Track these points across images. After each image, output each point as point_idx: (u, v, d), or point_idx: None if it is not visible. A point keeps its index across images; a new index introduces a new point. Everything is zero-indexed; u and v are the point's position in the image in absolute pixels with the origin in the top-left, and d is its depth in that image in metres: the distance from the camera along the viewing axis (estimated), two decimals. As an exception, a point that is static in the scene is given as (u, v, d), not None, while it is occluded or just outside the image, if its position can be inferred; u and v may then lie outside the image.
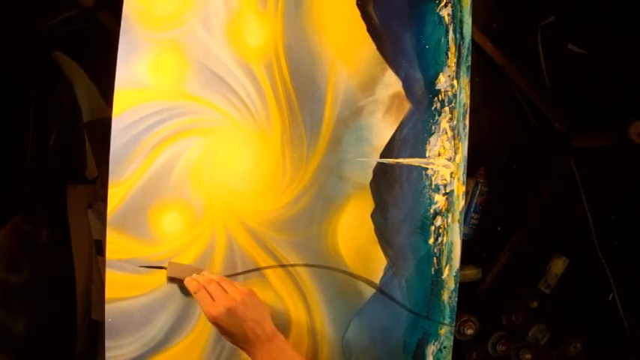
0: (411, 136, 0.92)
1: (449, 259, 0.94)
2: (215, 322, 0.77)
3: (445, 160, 0.93)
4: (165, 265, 0.84)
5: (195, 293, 0.80)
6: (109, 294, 0.83)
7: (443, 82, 0.93)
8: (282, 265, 0.88)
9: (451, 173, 0.93)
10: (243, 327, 0.77)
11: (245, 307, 0.78)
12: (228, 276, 0.86)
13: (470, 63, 0.94)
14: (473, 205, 1.31)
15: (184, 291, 0.84)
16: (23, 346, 1.20)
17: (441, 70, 0.93)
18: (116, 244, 0.83)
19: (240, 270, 0.87)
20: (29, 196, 1.20)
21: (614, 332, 1.42)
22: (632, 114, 1.26)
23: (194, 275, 0.83)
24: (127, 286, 0.83)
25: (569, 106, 1.36)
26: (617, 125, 1.26)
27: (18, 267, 1.21)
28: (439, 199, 0.93)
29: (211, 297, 0.78)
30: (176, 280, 0.84)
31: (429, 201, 0.93)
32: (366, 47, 0.91)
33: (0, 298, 1.18)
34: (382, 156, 0.91)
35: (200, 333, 0.86)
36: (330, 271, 0.90)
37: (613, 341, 1.44)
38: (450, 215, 0.94)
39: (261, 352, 0.77)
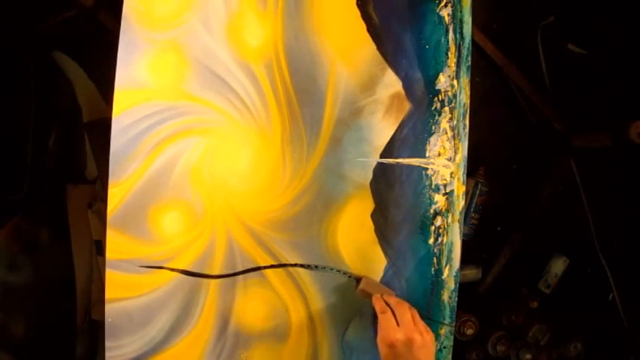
0: (411, 136, 0.92)
1: (449, 259, 0.94)
2: (390, 345, 0.79)
3: (445, 160, 0.93)
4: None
5: (381, 313, 0.82)
6: (108, 294, 0.83)
7: (443, 82, 0.93)
8: (282, 265, 0.88)
9: (451, 173, 0.93)
10: None
11: (423, 346, 0.79)
12: (229, 276, 0.86)
13: (470, 63, 0.94)
14: (473, 205, 1.31)
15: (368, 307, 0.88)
16: (23, 346, 1.20)
17: (441, 70, 0.93)
18: (116, 244, 0.83)
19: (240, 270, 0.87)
20: (29, 196, 1.20)
21: (614, 332, 1.42)
22: (632, 114, 1.26)
23: (384, 295, 0.86)
24: (126, 286, 0.83)
25: (569, 106, 1.36)
26: (617, 125, 1.26)
27: (18, 267, 1.21)
28: (439, 199, 0.93)
29: (397, 321, 0.81)
30: (365, 294, 0.88)
31: (429, 201, 0.93)
32: (366, 47, 0.91)
33: (0, 298, 1.18)
34: (382, 156, 0.91)
35: (200, 333, 0.86)
36: (331, 271, 0.90)
37: (613, 341, 1.44)
38: (450, 215, 0.94)
39: None
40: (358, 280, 0.89)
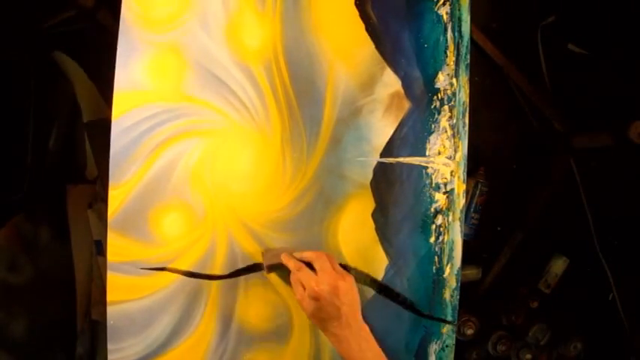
0: (411, 134, 0.92)
1: (450, 258, 0.94)
2: (315, 296, 0.77)
3: (445, 159, 0.93)
4: (165, 269, 0.84)
5: (297, 270, 0.81)
6: (110, 296, 0.83)
7: (442, 80, 0.93)
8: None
9: (451, 172, 0.93)
10: (340, 309, 0.78)
11: (348, 289, 0.79)
12: (229, 275, 0.86)
13: (469, 61, 0.94)
14: (473, 205, 1.31)
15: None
16: (23, 347, 1.20)
17: (440, 69, 0.93)
18: (117, 247, 0.83)
19: (240, 271, 0.87)
20: (29, 196, 1.20)
21: (614, 332, 1.42)
22: (632, 114, 1.26)
23: (295, 253, 0.84)
24: (128, 289, 0.83)
25: (569, 106, 1.36)
26: (617, 125, 1.26)
27: (18, 267, 1.21)
28: (440, 198, 0.93)
29: (318, 270, 0.80)
30: (274, 267, 0.85)
31: (429, 200, 0.93)
32: (364, 47, 0.91)
33: (0, 298, 1.18)
34: (382, 155, 0.91)
35: (202, 335, 0.86)
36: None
37: (613, 341, 1.44)
38: (450, 214, 0.94)
39: (349, 339, 0.78)
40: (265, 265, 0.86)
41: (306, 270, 0.81)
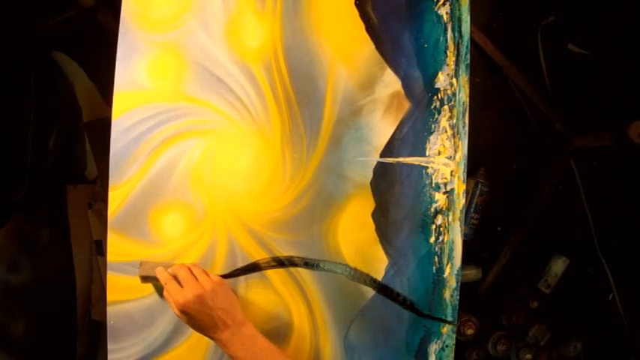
0: (411, 134, 0.92)
1: (450, 258, 0.94)
2: (183, 310, 0.76)
3: (445, 159, 0.93)
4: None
5: (165, 284, 0.79)
6: (110, 296, 0.83)
7: (442, 80, 0.93)
8: (282, 264, 0.88)
9: (451, 172, 0.93)
10: (212, 315, 0.76)
11: (214, 295, 0.77)
12: (229, 275, 0.86)
13: (469, 61, 0.94)
14: (473, 205, 1.31)
15: (160, 293, 0.83)
16: (23, 347, 1.20)
17: (440, 69, 0.93)
18: (117, 247, 0.83)
19: (240, 270, 0.87)
20: (29, 196, 1.20)
21: (614, 332, 1.42)
22: (632, 114, 1.26)
23: (164, 267, 0.81)
24: (128, 289, 0.84)
25: (569, 106, 1.36)
26: (617, 125, 1.26)
27: (18, 267, 1.21)
28: (440, 198, 0.93)
29: (180, 285, 0.78)
30: (149, 279, 0.83)
31: (429, 200, 0.93)
32: (364, 47, 0.91)
33: (0, 298, 1.18)
34: (382, 155, 0.91)
35: (202, 335, 0.86)
36: (332, 272, 0.90)
37: (613, 341, 1.44)
38: (450, 214, 0.94)
39: (231, 341, 0.77)
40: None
41: (173, 283, 0.79)
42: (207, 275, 0.80)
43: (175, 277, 0.80)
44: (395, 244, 0.92)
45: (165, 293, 0.80)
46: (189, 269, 0.80)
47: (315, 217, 0.89)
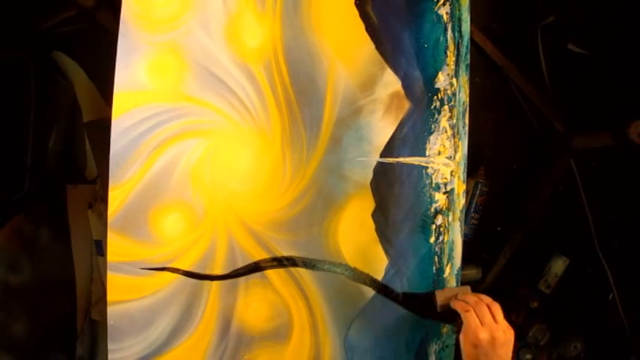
0: (411, 134, 0.92)
1: (450, 258, 0.94)
2: (475, 345, 0.80)
3: (445, 159, 0.93)
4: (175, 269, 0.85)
5: (465, 312, 0.83)
6: (110, 296, 0.83)
7: (442, 80, 0.93)
8: (282, 264, 0.88)
9: (451, 172, 0.93)
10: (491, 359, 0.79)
11: (504, 343, 0.80)
12: (229, 275, 0.86)
13: (469, 61, 0.94)
14: (473, 205, 1.31)
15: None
16: (23, 347, 1.20)
17: (440, 69, 0.93)
18: (117, 247, 0.83)
19: (240, 271, 0.87)
20: (29, 196, 1.20)
21: (614, 332, 1.42)
22: (632, 114, 1.26)
23: (460, 296, 0.87)
24: (128, 289, 0.83)
25: (569, 106, 1.36)
26: (617, 125, 1.26)
27: (18, 267, 1.21)
28: (440, 198, 0.93)
29: (480, 320, 0.81)
30: (446, 307, 0.88)
31: (429, 200, 0.93)
32: (364, 47, 0.91)
33: (0, 298, 1.18)
34: (382, 155, 0.91)
35: (202, 335, 0.86)
36: (332, 272, 0.90)
37: (613, 341, 1.43)
38: (450, 214, 0.94)
39: None
40: (430, 295, 0.90)
41: (474, 315, 0.82)
42: (503, 319, 0.83)
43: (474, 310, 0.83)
44: (395, 244, 0.92)
45: (464, 320, 0.83)
46: (488, 306, 0.84)
47: (315, 217, 0.89)
